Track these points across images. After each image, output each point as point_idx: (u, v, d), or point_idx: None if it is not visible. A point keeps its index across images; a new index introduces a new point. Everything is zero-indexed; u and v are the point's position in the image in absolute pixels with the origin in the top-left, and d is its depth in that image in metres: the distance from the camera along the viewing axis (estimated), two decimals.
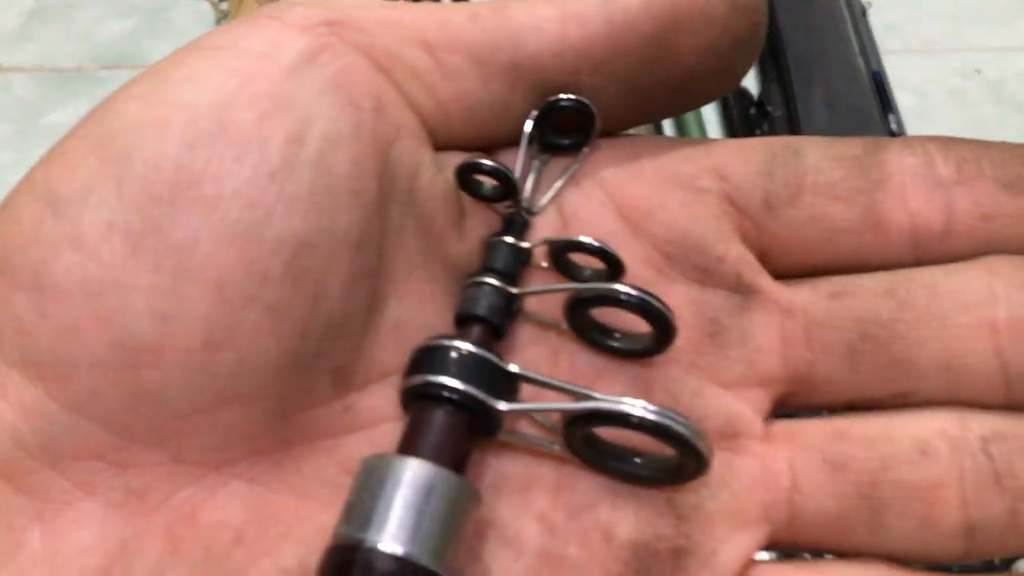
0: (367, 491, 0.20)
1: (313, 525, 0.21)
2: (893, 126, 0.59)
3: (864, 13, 0.64)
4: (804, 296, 0.24)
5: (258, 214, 0.20)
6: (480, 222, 0.24)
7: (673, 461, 0.21)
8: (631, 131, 0.26)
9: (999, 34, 0.65)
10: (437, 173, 0.23)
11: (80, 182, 0.20)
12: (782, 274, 0.24)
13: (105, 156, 0.20)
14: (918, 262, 0.24)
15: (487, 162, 0.23)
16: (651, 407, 0.20)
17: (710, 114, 0.61)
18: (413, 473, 0.20)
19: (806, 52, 0.61)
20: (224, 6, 0.65)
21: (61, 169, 0.20)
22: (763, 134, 0.59)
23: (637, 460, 0.22)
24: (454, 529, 0.20)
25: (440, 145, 0.24)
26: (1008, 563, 0.43)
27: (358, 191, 0.21)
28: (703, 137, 0.59)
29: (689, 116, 0.60)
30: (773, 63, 0.62)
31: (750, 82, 0.62)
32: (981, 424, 0.22)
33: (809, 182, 0.24)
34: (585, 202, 0.24)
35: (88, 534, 0.20)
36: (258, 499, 0.21)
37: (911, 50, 0.65)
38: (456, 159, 0.24)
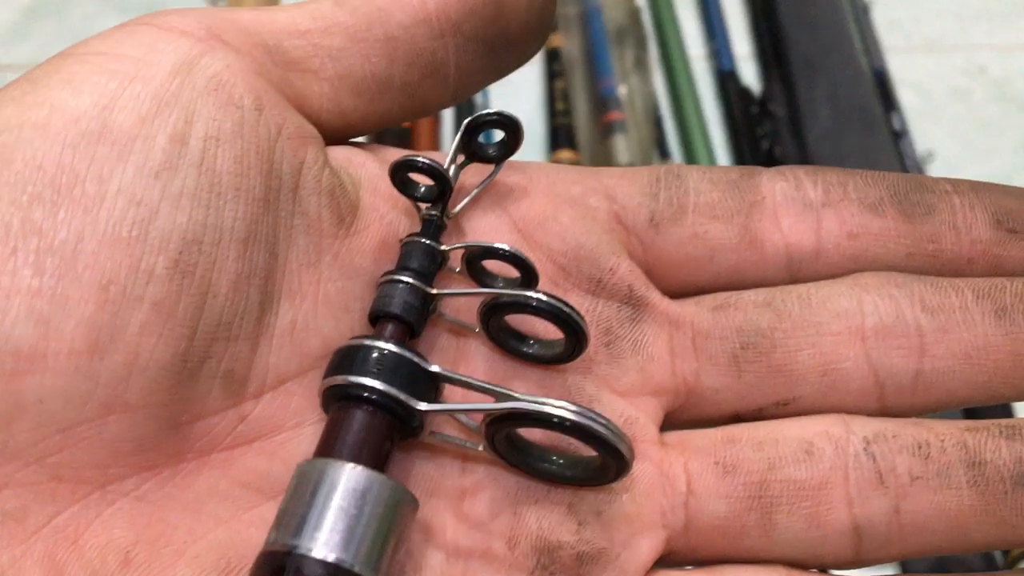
0: (298, 497, 0.20)
1: (207, 543, 0.21)
2: (896, 124, 0.58)
3: (867, 10, 0.63)
4: (690, 309, 0.25)
5: (143, 211, 0.20)
6: (374, 220, 0.24)
7: (595, 462, 0.22)
8: (521, 159, 0.27)
9: (1003, 32, 0.65)
10: (322, 170, 0.23)
11: None
12: (667, 292, 0.26)
13: None
14: (793, 280, 0.26)
15: (424, 160, 0.23)
16: (572, 408, 0.20)
17: (712, 113, 0.61)
18: (347, 478, 0.19)
19: (808, 50, 0.61)
20: (222, 4, 0.64)
21: None
22: (766, 133, 0.59)
23: (560, 460, 0.23)
24: (389, 534, 0.20)
25: (336, 126, 0.25)
26: (1015, 561, 0.43)
27: (243, 188, 0.21)
28: (705, 137, 0.59)
29: (691, 116, 0.60)
30: (776, 62, 0.61)
31: (753, 81, 0.62)
32: (863, 426, 0.23)
33: (691, 202, 0.26)
34: (483, 217, 0.26)
35: None
36: (147, 518, 0.20)
37: (914, 48, 0.64)
38: (364, 155, 0.24)
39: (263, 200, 0.22)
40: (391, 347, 0.21)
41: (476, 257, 0.24)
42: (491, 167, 0.25)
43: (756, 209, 0.25)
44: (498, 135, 0.25)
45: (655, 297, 0.25)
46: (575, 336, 0.22)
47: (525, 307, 0.22)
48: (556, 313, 0.22)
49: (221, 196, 0.21)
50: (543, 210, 0.25)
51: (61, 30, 0.63)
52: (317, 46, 0.24)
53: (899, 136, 0.58)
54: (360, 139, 0.27)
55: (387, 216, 0.24)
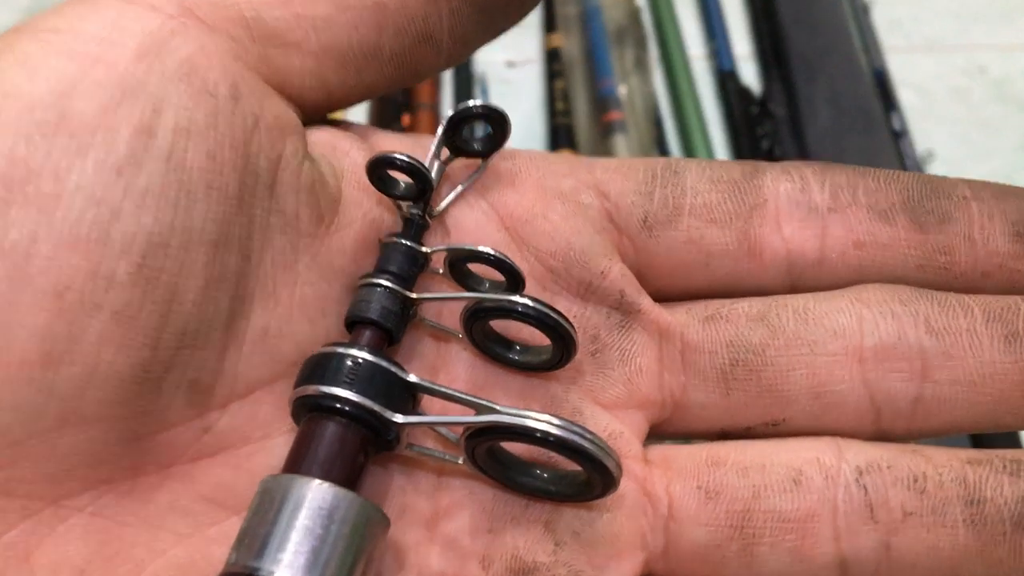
0: (260, 515, 0.18)
1: (166, 560, 0.19)
2: (896, 124, 0.58)
3: (867, 10, 0.63)
4: (680, 318, 0.24)
5: (104, 212, 0.18)
6: (356, 216, 0.23)
7: (580, 477, 0.21)
8: (516, 148, 0.26)
9: (1003, 32, 0.65)
10: (301, 164, 0.22)
11: None
12: (659, 296, 0.24)
13: None
14: (792, 288, 0.24)
15: (402, 157, 0.21)
16: (557, 422, 0.19)
17: (712, 113, 0.61)
18: (313, 496, 0.18)
19: (808, 50, 0.61)
20: None
21: None
22: (766, 133, 0.59)
23: (544, 475, 0.21)
24: (358, 556, 0.18)
25: (319, 101, 0.23)
26: None
27: (215, 186, 0.20)
28: (705, 137, 0.59)
29: (691, 116, 0.60)
30: (776, 62, 0.61)
31: (753, 81, 0.62)
32: (857, 454, 0.22)
33: (687, 204, 0.24)
34: (468, 211, 0.24)
35: None
36: (103, 534, 0.19)
37: (914, 48, 0.64)
38: (349, 141, 0.23)
39: (237, 198, 0.20)
40: (365, 355, 0.20)
41: (460, 259, 0.23)
42: (478, 161, 0.24)
43: (757, 213, 0.24)
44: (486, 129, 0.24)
45: (646, 304, 0.24)
46: (563, 343, 0.21)
47: (510, 312, 0.21)
48: (543, 319, 0.21)
49: (191, 195, 0.19)
50: (532, 206, 0.24)
51: None
52: (300, 16, 0.21)
53: (899, 136, 0.58)
54: (356, 120, 0.25)
55: (370, 212, 0.23)
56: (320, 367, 0.20)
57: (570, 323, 0.21)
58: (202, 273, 0.20)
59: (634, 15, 0.62)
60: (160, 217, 0.19)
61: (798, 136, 0.58)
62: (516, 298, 0.21)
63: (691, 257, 0.24)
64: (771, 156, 0.58)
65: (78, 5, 0.20)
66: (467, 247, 0.22)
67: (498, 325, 0.23)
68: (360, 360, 0.20)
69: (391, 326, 0.21)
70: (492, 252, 0.22)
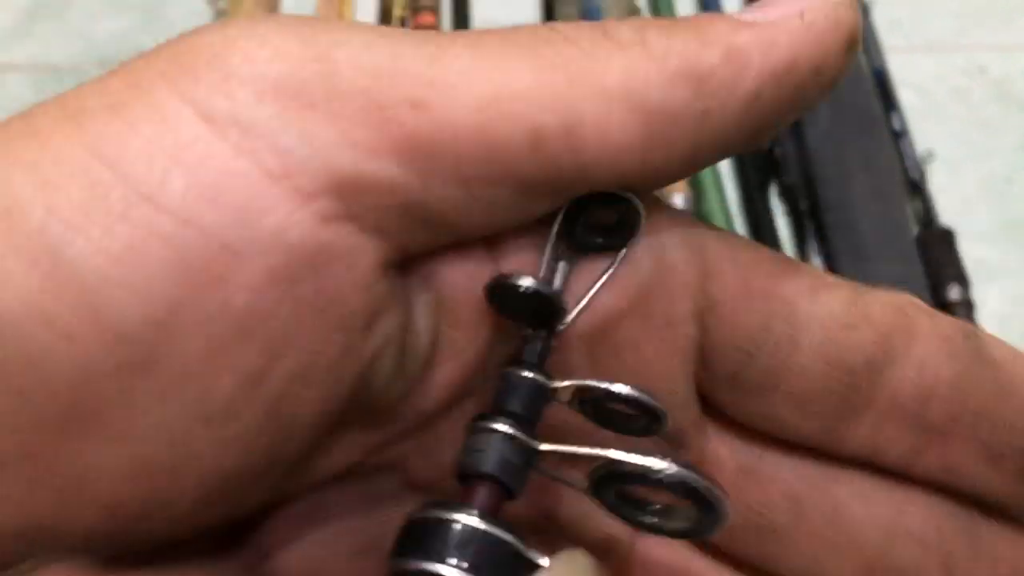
0: None
1: None
2: (896, 124, 0.58)
3: (867, 10, 0.63)
4: (726, 470, 0.21)
5: (180, 456, 0.15)
6: (454, 365, 0.18)
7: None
8: None
9: (1003, 32, 0.65)
10: (410, 363, 0.18)
11: None
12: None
13: None
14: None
15: (528, 284, 0.17)
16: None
17: None
18: None
19: None
20: (221, 3, 0.64)
21: None
22: None
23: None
24: None
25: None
26: None
27: (317, 426, 0.16)
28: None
29: None
30: None
31: None
32: None
33: (787, 383, 0.20)
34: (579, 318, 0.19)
35: None
36: None
37: (914, 48, 0.64)
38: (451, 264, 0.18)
39: (336, 428, 0.17)
40: (479, 523, 0.17)
41: (591, 395, 0.19)
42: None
43: (858, 414, 0.20)
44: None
45: (696, 457, 0.21)
46: (713, 516, 0.18)
47: (646, 479, 0.17)
48: (694, 493, 0.17)
49: (288, 437, 0.16)
50: (629, 333, 0.19)
51: (61, 31, 0.63)
52: (473, 197, 0.16)
53: (899, 136, 0.58)
54: None
55: (479, 345, 0.19)
56: (422, 536, 0.17)
57: (724, 493, 0.18)
58: (268, 492, 0.17)
59: (634, 15, 0.63)
60: (246, 460, 0.16)
61: (798, 136, 0.58)
62: (659, 465, 0.17)
63: (765, 423, 0.21)
64: (771, 156, 0.58)
65: (150, 112, 0.14)
66: (602, 386, 0.18)
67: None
68: (473, 528, 0.17)
69: (511, 481, 0.18)
70: (633, 394, 0.18)
